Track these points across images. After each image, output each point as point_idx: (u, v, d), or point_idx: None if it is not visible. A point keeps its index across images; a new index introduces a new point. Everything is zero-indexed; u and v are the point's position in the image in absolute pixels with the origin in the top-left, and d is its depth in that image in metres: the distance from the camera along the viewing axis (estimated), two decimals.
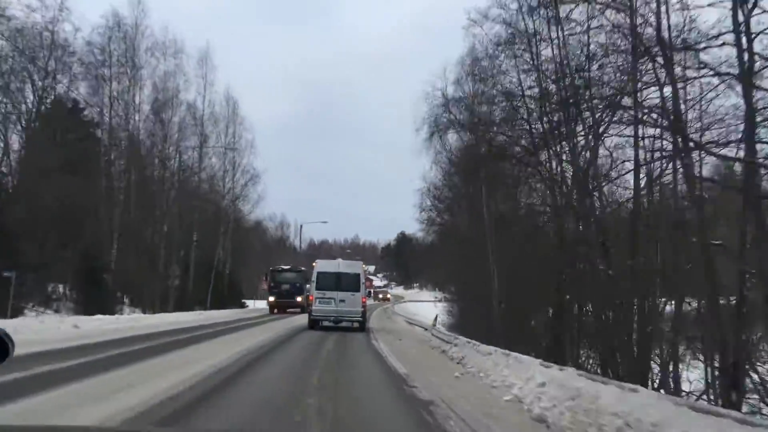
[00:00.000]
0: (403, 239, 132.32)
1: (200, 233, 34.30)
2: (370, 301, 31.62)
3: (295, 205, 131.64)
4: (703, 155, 11.89)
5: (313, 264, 19.74)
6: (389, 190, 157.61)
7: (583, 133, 16.12)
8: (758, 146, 9.75)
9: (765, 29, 9.35)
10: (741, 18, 9.42)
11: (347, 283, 18.54)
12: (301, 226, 52.21)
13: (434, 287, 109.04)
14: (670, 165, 13.35)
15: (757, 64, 9.54)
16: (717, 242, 11.25)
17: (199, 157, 34.68)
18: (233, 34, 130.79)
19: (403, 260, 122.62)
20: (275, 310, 30.61)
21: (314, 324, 18.52)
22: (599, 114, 15.16)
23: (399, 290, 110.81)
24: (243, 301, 42.86)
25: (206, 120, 34.61)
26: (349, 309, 18.49)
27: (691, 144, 11.38)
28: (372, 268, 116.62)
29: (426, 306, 56.46)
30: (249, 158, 39.09)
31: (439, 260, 36.74)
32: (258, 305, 43.10)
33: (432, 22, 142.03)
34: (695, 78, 11.59)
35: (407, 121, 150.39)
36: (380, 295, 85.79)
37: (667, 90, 11.73)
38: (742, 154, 10.27)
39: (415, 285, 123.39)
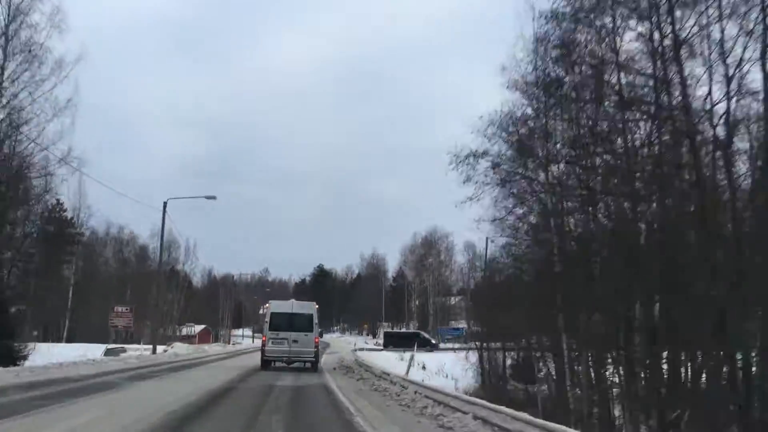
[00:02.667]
0: (322, 274, 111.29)
1: None
2: None
3: (200, 243, 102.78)
4: None
5: (266, 305, 20.61)
6: (301, 227, 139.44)
7: None
8: None
9: None
10: None
11: (300, 323, 18.88)
12: (165, 203, 29.10)
13: (368, 331, 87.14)
14: None
15: None
16: None
17: None
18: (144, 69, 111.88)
19: (321, 299, 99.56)
20: None
21: (267, 364, 18.93)
22: None
23: None
24: (18, 347, 19.59)
25: None
26: (301, 349, 18.80)
27: None
28: None
29: (384, 357, 36.16)
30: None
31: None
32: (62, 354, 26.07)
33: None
34: None
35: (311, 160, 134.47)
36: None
37: None
38: None
39: (335, 328, 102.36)
